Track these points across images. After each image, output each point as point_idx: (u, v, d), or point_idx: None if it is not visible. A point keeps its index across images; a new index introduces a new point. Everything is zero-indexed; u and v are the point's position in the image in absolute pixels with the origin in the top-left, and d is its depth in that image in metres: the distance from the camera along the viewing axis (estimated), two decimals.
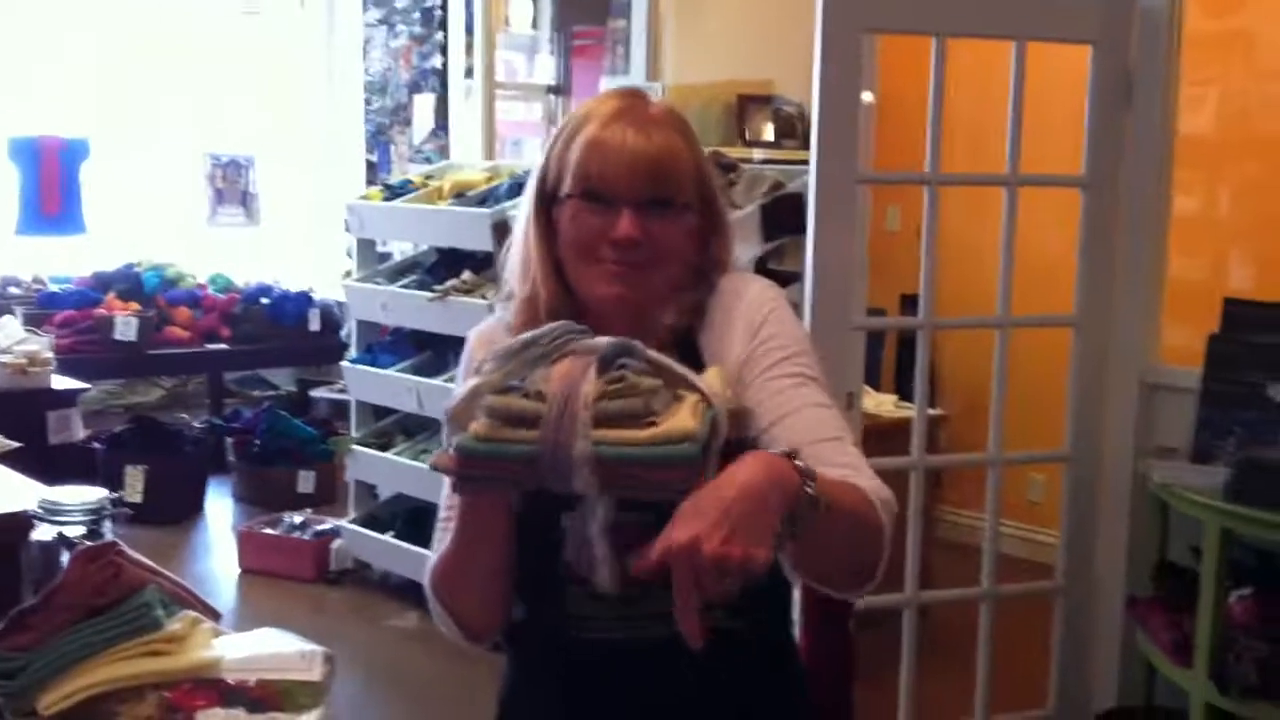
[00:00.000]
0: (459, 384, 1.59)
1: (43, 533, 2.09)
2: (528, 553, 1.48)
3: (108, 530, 2.25)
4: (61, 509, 2.22)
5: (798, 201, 3.58)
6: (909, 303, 4.63)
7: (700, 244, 1.53)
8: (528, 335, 1.28)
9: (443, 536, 1.50)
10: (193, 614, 1.81)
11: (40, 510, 2.22)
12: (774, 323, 1.51)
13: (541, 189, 1.52)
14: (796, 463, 1.24)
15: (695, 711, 1.49)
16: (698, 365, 1.46)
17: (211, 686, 1.71)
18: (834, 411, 1.48)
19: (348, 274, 5.55)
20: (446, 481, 1.40)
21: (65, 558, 1.88)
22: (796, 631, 1.68)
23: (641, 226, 1.44)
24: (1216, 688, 2.77)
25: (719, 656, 1.45)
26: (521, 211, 1.56)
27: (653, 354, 1.24)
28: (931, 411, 3.75)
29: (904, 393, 4.66)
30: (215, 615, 1.92)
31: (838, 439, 1.44)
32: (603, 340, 1.26)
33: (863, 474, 1.41)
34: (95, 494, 2.33)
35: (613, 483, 1.20)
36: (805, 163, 3.25)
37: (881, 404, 4.58)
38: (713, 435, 1.20)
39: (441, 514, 1.53)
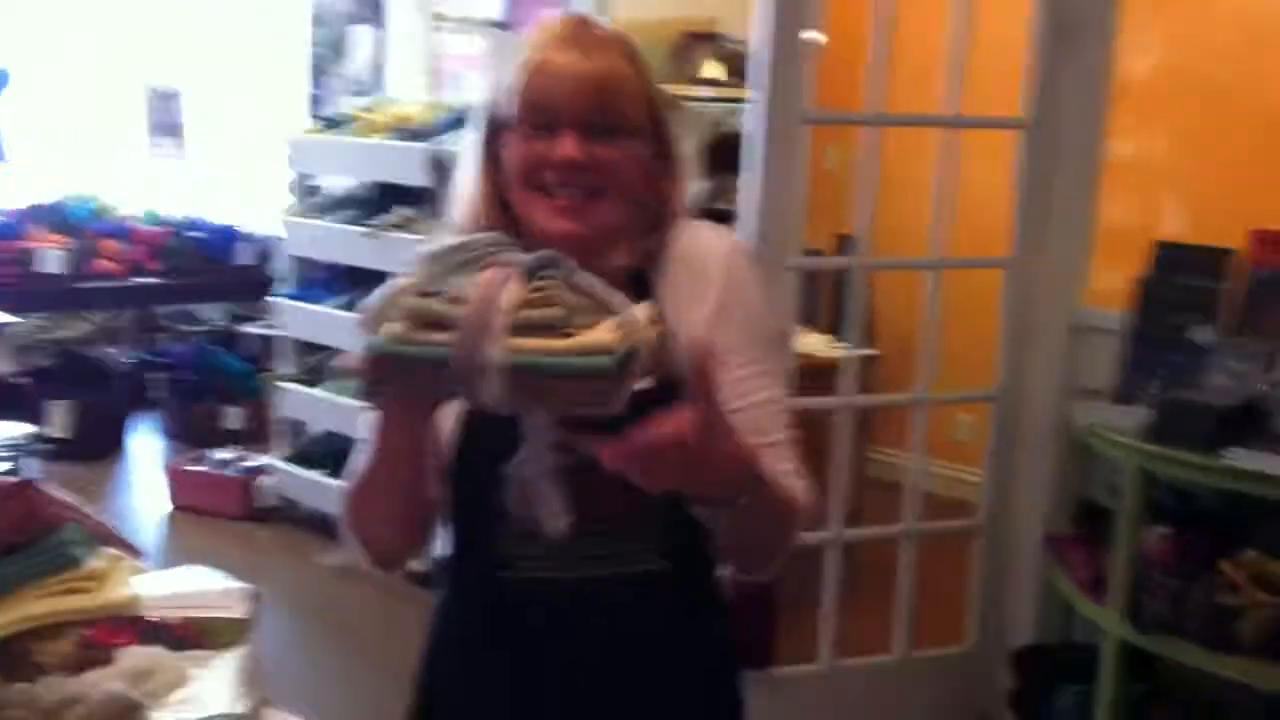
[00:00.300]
0: None
1: None
2: (462, 490, 1.47)
3: (30, 467, 2.22)
4: None
5: (738, 141, 3.56)
6: (846, 243, 4.65)
7: (651, 177, 1.48)
8: (454, 241, 1.24)
9: (359, 458, 1.48)
10: (114, 551, 1.79)
11: None
12: (745, 294, 1.50)
13: (488, 120, 1.48)
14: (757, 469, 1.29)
15: (621, 649, 1.50)
16: None
17: (132, 624, 1.70)
18: (783, 404, 1.51)
19: (289, 209, 5.47)
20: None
21: None
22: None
23: (585, 149, 1.40)
24: (1131, 624, 2.83)
25: (646, 596, 1.48)
26: (466, 143, 1.52)
27: (580, 273, 1.21)
28: (866, 352, 3.77)
29: (839, 333, 4.68)
30: (137, 553, 1.89)
31: (782, 442, 1.47)
32: (529, 254, 1.23)
33: (799, 477, 1.46)
34: (17, 430, 2.29)
35: (522, 393, 1.17)
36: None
37: (815, 344, 4.59)
38: (630, 358, 1.17)
39: (364, 437, 1.48)
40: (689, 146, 1.54)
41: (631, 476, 1.19)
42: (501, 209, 1.47)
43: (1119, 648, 2.91)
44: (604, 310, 1.20)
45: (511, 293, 1.17)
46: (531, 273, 1.20)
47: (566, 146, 1.40)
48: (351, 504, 1.47)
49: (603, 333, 1.17)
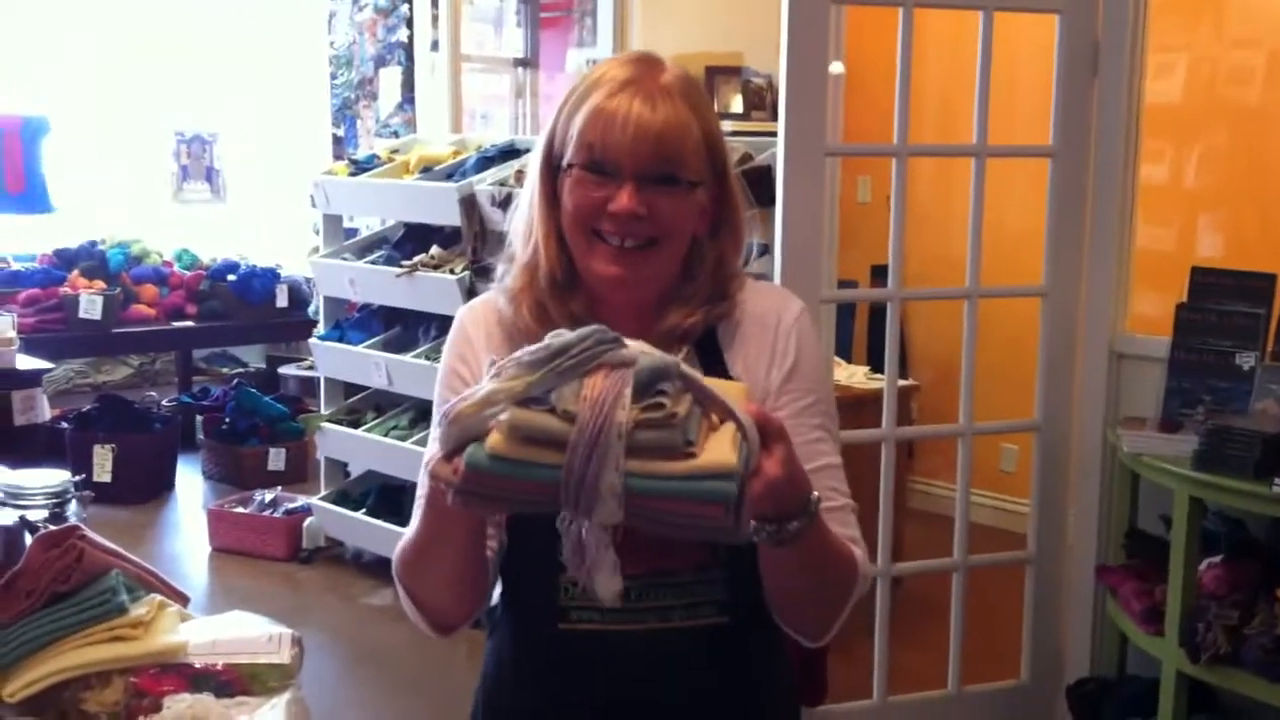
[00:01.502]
0: (445, 362, 1.54)
1: (5, 517, 2.06)
2: (519, 540, 1.45)
3: (72, 514, 2.22)
4: (24, 493, 2.20)
5: (767, 174, 3.56)
6: (880, 274, 4.64)
7: (711, 222, 1.48)
8: (556, 342, 1.15)
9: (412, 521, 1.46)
10: (158, 598, 1.79)
11: (2, 494, 2.19)
12: (813, 362, 1.51)
13: (548, 154, 1.47)
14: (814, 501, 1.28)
15: (679, 702, 1.48)
16: (721, 371, 1.46)
17: (178, 671, 1.70)
18: (841, 468, 1.51)
19: (315, 250, 5.50)
20: (426, 457, 1.31)
21: (29, 542, 1.85)
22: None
23: (643, 201, 1.40)
24: (1187, 656, 2.78)
25: (705, 650, 1.46)
26: (528, 175, 1.52)
27: (690, 373, 1.15)
28: (903, 382, 3.75)
29: (876, 364, 4.66)
30: (182, 599, 1.90)
31: (843, 507, 1.47)
32: (636, 352, 1.14)
33: (858, 545, 1.45)
34: (59, 476, 2.30)
35: (639, 516, 1.11)
36: (773, 135, 3.24)
37: (853, 375, 4.58)
38: (748, 471, 1.12)
39: (420, 490, 1.43)
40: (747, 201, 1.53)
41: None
42: (561, 247, 1.47)
43: (1178, 680, 2.86)
44: (713, 410, 1.15)
45: (625, 409, 1.10)
46: (643, 383, 1.12)
47: (624, 200, 1.39)
48: (404, 567, 1.43)
49: (724, 451, 1.11)
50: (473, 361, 1.50)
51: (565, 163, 1.44)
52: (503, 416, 1.12)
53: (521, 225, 1.51)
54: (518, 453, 1.11)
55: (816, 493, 1.27)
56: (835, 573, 1.39)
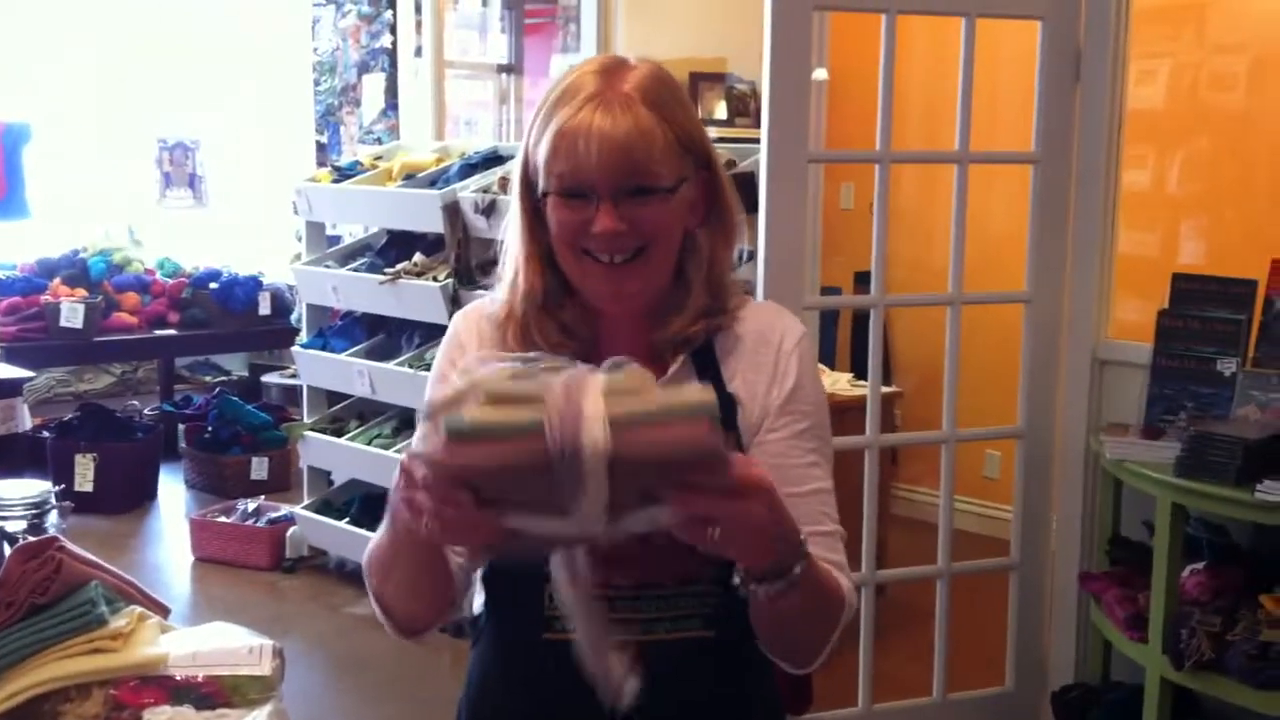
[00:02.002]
0: (437, 366, 1.54)
1: None
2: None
3: (51, 524, 2.21)
4: (3, 503, 2.18)
5: (750, 180, 3.56)
6: (863, 280, 4.64)
7: (703, 214, 1.48)
8: (533, 354, 1.20)
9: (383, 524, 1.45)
10: (138, 609, 1.78)
11: None
12: (812, 385, 1.51)
13: (524, 176, 1.47)
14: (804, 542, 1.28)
15: (664, 713, 1.47)
16: (717, 382, 1.46)
17: (158, 683, 1.69)
18: (832, 493, 1.50)
19: (297, 257, 5.48)
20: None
21: (7, 553, 1.84)
22: None
23: (622, 216, 1.39)
24: (1171, 662, 2.79)
25: (690, 662, 1.46)
26: (511, 194, 1.51)
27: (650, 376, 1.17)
28: (886, 389, 3.75)
29: (859, 371, 4.66)
30: (163, 610, 1.89)
31: (832, 533, 1.47)
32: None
33: (844, 573, 1.45)
34: (38, 487, 2.29)
35: (626, 448, 1.09)
36: (757, 141, 3.24)
37: (837, 383, 4.57)
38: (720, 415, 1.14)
39: (391, 495, 1.46)
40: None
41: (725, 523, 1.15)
42: (545, 266, 1.47)
43: (1161, 686, 2.86)
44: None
45: (599, 378, 1.12)
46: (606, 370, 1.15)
47: (604, 220, 1.39)
48: (374, 572, 1.43)
49: (692, 392, 1.14)
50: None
51: (540, 192, 1.44)
52: (483, 389, 1.14)
53: (511, 252, 1.51)
54: (497, 415, 1.12)
55: (804, 533, 1.27)
56: (825, 610, 1.39)
